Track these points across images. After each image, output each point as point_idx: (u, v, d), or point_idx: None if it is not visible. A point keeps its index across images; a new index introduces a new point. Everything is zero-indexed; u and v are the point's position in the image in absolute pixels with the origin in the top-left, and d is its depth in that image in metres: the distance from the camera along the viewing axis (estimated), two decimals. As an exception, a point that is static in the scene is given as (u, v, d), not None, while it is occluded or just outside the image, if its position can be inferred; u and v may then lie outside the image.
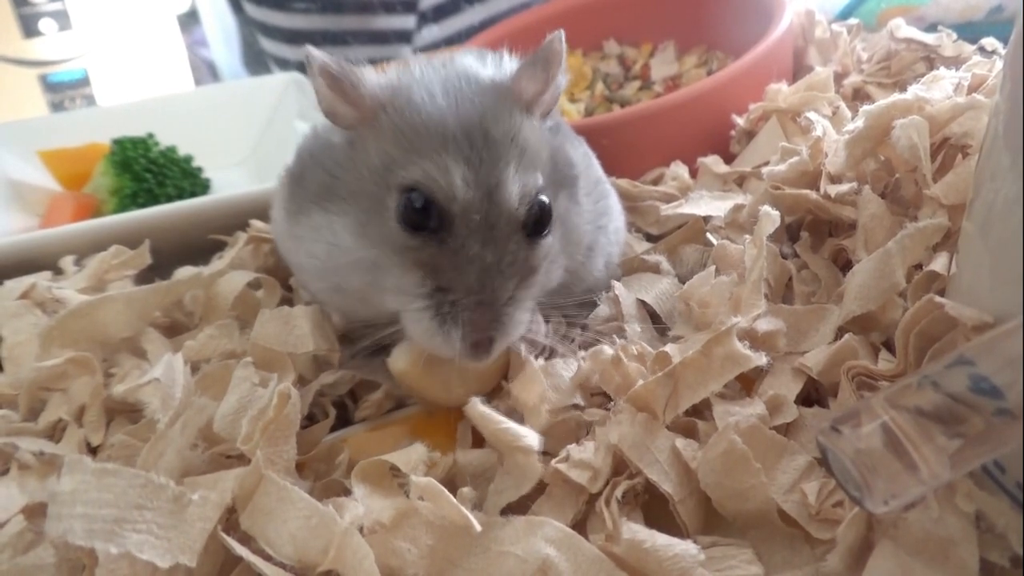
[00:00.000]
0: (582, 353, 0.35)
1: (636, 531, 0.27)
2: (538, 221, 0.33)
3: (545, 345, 0.37)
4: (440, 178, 0.31)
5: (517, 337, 0.33)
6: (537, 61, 0.35)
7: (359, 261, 0.34)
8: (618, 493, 0.29)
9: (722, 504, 0.29)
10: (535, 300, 0.35)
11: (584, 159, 0.42)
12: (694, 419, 0.32)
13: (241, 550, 0.27)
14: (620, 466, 0.31)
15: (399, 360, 0.35)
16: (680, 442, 0.31)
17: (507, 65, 0.37)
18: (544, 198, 0.33)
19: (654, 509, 0.30)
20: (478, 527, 0.27)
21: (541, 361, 0.35)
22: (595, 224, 0.40)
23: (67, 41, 1.88)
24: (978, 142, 0.37)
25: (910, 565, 0.25)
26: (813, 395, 0.35)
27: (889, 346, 0.34)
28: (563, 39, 0.34)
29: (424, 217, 0.31)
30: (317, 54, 0.33)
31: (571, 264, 0.38)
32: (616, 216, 0.44)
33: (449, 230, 0.31)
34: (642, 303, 0.40)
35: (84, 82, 1.93)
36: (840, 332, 0.35)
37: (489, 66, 0.37)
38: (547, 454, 0.31)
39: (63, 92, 1.91)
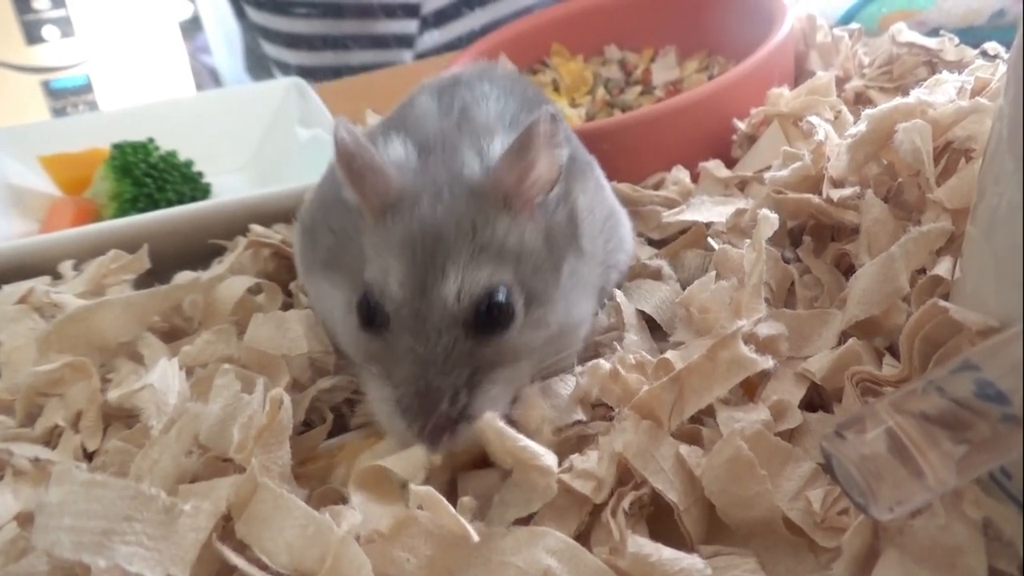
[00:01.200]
0: (579, 368, 0.35)
1: (642, 544, 0.26)
2: (491, 316, 0.32)
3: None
4: (381, 278, 0.33)
5: (484, 419, 0.32)
6: (513, 151, 0.34)
7: (344, 340, 0.36)
8: (625, 504, 0.29)
9: (726, 512, 0.29)
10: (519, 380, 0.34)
11: (596, 193, 0.41)
12: (698, 426, 0.32)
13: (236, 559, 0.27)
14: (624, 476, 0.31)
15: None
16: (684, 449, 0.30)
17: (494, 154, 0.36)
18: (501, 294, 0.33)
19: (657, 518, 0.30)
20: (475, 537, 0.27)
21: (537, 384, 0.34)
22: (605, 264, 0.40)
23: (70, 48, 1.89)
24: (981, 146, 0.37)
25: (917, 573, 0.25)
26: (816, 400, 0.34)
27: (893, 351, 0.34)
28: (551, 116, 0.33)
29: (371, 315, 0.33)
30: (341, 132, 0.33)
31: (583, 331, 0.37)
32: (627, 242, 0.43)
33: (387, 326, 0.33)
34: (641, 312, 0.40)
35: (87, 88, 1.94)
36: (843, 337, 0.35)
37: (483, 157, 0.36)
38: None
39: (66, 98, 1.92)
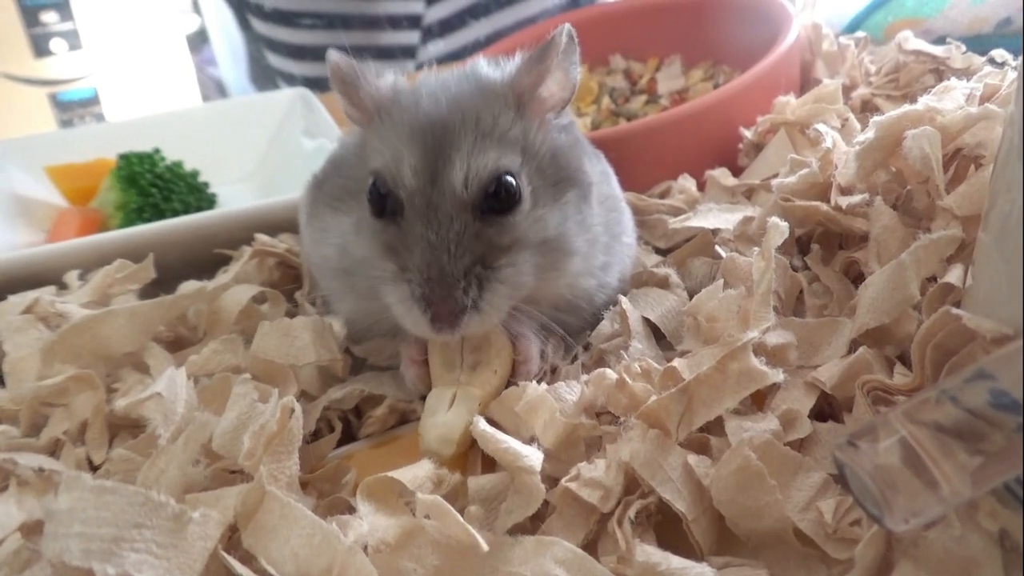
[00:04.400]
0: (585, 377, 0.35)
1: (650, 553, 0.26)
2: (498, 199, 0.34)
3: (544, 368, 0.37)
4: (393, 165, 0.34)
5: (492, 318, 0.34)
6: (533, 55, 0.36)
7: (359, 257, 0.36)
8: (631, 513, 0.29)
9: (736, 522, 0.29)
10: (523, 295, 0.35)
11: (601, 176, 0.43)
12: (706, 435, 0.32)
13: (242, 569, 0.27)
14: (632, 484, 0.30)
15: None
16: (693, 459, 0.30)
17: (512, 64, 0.39)
18: (508, 177, 0.35)
19: (666, 528, 0.30)
20: (485, 546, 0.27)
21: (544, 385, 0.34)
22: (609, 232, 0.40)
23: (77, 61, 1.90)
24: (991, 152, 0.36)
25: (931, 586, 0.25)
26: (826, 410, 0.34)
27: (904, 360, 0.33)
28: (568, 32, 0.36)
29: (383, 202, 0.35)
30: (333, 56, 0.37)
31: (586, 276, 0.38)
32: (629, 232, 0.44)
33: (402, 213, 0.34)
34: (646, 320, 0.40)
35: (94, 101, 1.95)
36: (853, 345, 0.34)
37: (495, 67, 0.39)
38: (557, 480, 0.31)
39: (73, 110, 1.93)
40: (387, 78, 0.39)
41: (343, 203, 0.38)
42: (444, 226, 0.33)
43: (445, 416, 0.33)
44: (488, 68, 0.39)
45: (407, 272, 0.33)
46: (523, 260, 0.35)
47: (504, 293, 0.34)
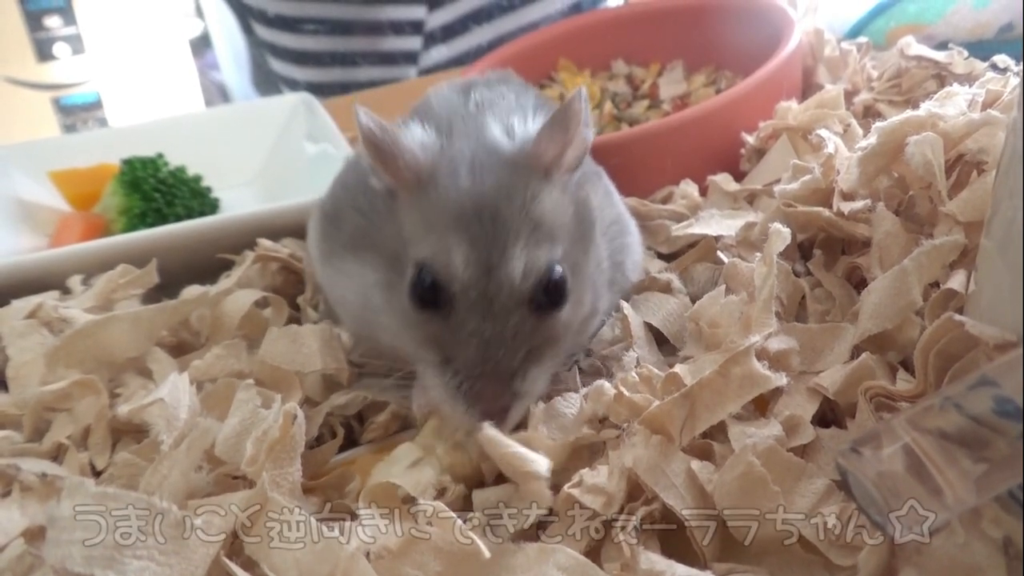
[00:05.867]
0: (584, 390, 0.35)
1: (654, 561, 0.26)
2: (550, 294, 0.33)
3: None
4: (443, 257, 0.32)
5: (533, 399, 0.33)
6: (555, 123, 0.35)
7: (387, 324, 0.35)
8: (635, 520, 0.29)
9: (739, 529, 0.29)
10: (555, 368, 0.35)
11: (604, 198, 0.42)
12: (709, 441, 0.32)
13: (244, 576, 0.27)
14: (635, 491, 0.30)
15: None
16: (696, 464, 0.30)
17: (529, 129, 0.37)
18: (558, 271, 0.33)
19: (669, 535, 0.30)
20: (487, 553, 0.27)
21: (541, 404, 0.34)
22: (612, 260, 0.40)
23: (80, 65, 1.91)
24: (994, 158, 0.36)
25: (935, 593, 0.25)
26: (829, 416, 0.34)
27: (907, 366, 0.33)
28: (584, 96, 0.34)
29: (432, 294, 0.33)
30: (363, 119, 0.34)
31: (593, 317, 0.38)
32: (635, 250, 0.43)
33: (452, 307, 0.32)
34: (648, 325, 0.40)
35: (97, 105, 1.95)
36: (856, 351, 0.34)
37: (512, 134, 0.37)
38: (559, 486, 0.30)
39: (76, 115, 1.93)
40: (418, 136, 0.36)
41: (366, 252, 0.36)
42: (500, 320, 0.32)
43: (403, 470, 0.32)
44: (506, 140, 0.37)
45: (454, 363, 0.32)
46: (561, 348, 0.34)
47: (546, 380, 0.34)
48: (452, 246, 0.32)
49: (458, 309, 0.32)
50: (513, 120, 0.38)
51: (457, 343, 0.32)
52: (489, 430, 0.30)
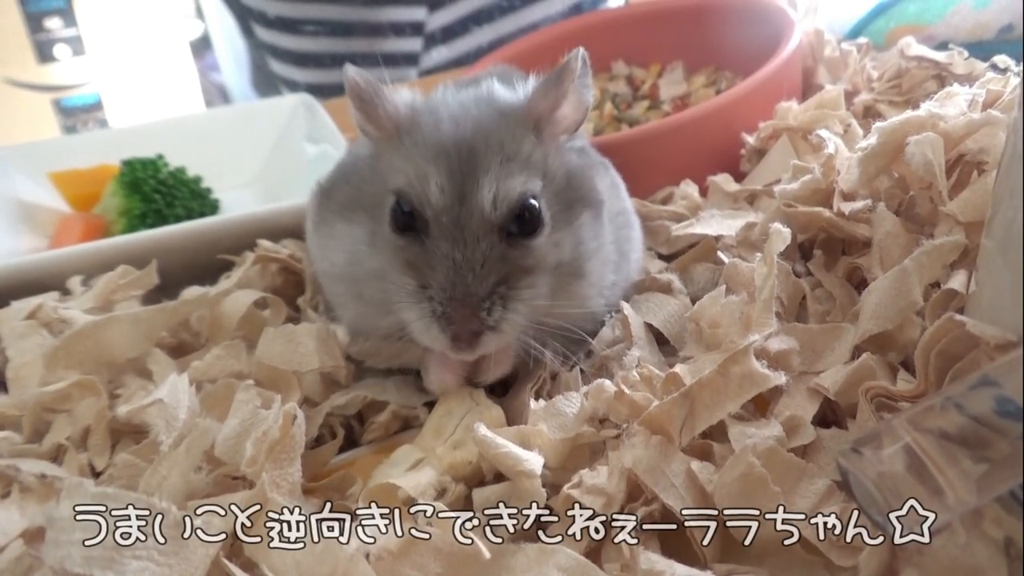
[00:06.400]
0: (585, 388, 0.35)
1: (655, 561, 0.26)
2: (522, 223, 0.35)
3: (543, 377, 0.37)
4: (420, 185, 0.35)
5: (509, 337, 0.35)
6: (550, 78, 0.37)
7: (372, 269, 0.36)
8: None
9: (739, 530, 0.28)
10: (535, 308, 0.35)
11: (611, 190, 0.43)
12: (709, 441, 0.32)
13: (244, 576, 0.27)
14: (635, 491, 0.30)
15: None
16: (696, 465, 0.30)
17: (528, 86, 0.39)
18: (532, 202, 0.35)
19: (669, 535, 0.29)
20: (487, 554, 0.27)
21: (542, 402, 0.34)
22: (619, 250, 0.41)
23: (81, 66, 1.91)
24: (994, 159, 0.36)
25: (936, 594, 0.25)
26: (830, 416, 0.34)
27: (907, 366, 0.33)
28: (582, 56, 0.36)
29: (409, 220, 0.35)
30: (350, 72, 0.37)
31: (595, 297, 0.38)
32: (638, 247, 0.44)
33: (427, 232, 0.34)
34: (649, 326, 0.40)
35: (97, 106, 1.95)
36: (856, 352, 0.34)
37: (510, 89, 0.39)
38: (559, 487, 0.30)
39: (77, 116, 1.93)
40: (404, 95, 0.39)
41: (354, 213, 0.38)
42: (471, 246, 0.33)
43: (403, 472, 0.33)
44: (504, 91, 0.39)
45: (428, 290, 0.33)
46: (541, 283, 0.35)
47: (523, 313, 0.34)
48: (428, 174, 0.34)
49: (432, 235, 0.34)
50: (515, 83, 0.40)
51: (431, 268, 0.33)
52: (484, 431, 0.30)
